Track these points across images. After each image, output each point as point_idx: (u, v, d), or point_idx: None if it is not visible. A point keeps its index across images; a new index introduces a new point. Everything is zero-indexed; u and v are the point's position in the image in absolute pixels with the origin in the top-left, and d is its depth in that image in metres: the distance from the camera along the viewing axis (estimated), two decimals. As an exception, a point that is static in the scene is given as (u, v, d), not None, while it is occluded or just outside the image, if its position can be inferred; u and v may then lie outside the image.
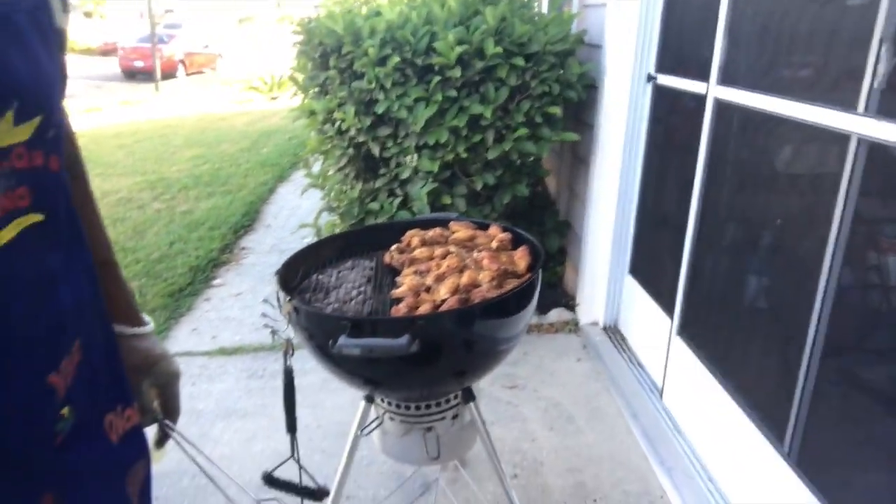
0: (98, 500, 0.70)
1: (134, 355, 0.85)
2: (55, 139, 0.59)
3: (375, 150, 2.81)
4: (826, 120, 1.45)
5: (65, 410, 0.63)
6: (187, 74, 18.73)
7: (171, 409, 0.93)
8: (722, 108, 1.97)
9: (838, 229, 1.41)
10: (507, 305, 1.37)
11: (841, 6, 1.51)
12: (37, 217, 0.57)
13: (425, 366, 1.35)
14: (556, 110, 2.67)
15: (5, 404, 0.56)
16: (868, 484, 1.41)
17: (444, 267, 1.50)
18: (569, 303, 3.17)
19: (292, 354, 1.50)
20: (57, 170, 0.60)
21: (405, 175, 2.75)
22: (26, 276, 0.56)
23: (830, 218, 1.43)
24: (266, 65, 16.80)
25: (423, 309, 1.38)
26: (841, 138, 1.40)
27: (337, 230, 3.13)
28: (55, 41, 0.62)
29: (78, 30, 26.02)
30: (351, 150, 2.92)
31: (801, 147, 1.66)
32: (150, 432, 0.88)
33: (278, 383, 2.62)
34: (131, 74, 17.77)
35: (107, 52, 22.82)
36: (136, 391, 0.84)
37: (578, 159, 3.14)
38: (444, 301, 1.39)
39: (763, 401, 1.73)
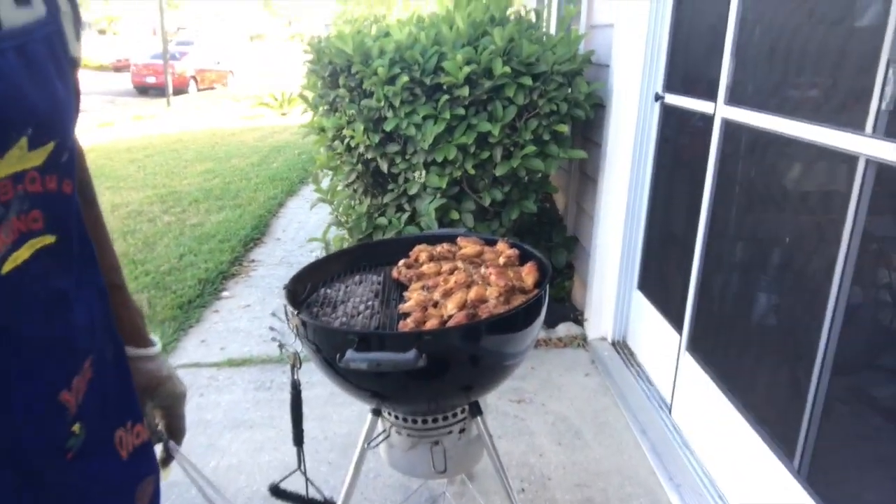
0: None
1: (140, 376, 0.86)
2: (68, 163, 0.61)
3: (384, 167, 2.84)
4: (834, 141, 1.47)
5: (76, 427, 0.65)
6: (199, 90, 18.95)
7: (175, 430, 0.94)
8: (729, 127, 1.99)
9: (847, 248, 1.42)
10: (514, 321, 1.39)
11: (849, 27, 1.53)
12: (49, 239, 0.58)
13: (432, 380, 1.37)
14: (564, 128, 2.70)
15: (18, 421, 0.57)
16: (879, 502, 1.41)
17: (452, 282, 1.52)
18: (577, 317, 3.18)
19: (300, 368, 1.52)
20: (70, 193, 0.62)
21: (413, 191, 2.78)
22: (40, 296, 0.58)
23: (840, 237, 1.44)
24: (277, 81, 16.98)
25: (431, 324, 1.39)
26: (849, 159, 1.42)
27: (345, 245, 3.16)
28: (69, 69, 0.64)
29: (92, 47, 26.42)
30: (360, 167, 2.95)
31: (809, 167, 1.68)
32: (157, 450, 0.90)
33: (286, 395, 2.64)
34: (143, 90, 18.00)
35: (119, 68, 23.16)
36: (142, 411, 0.86)
37: (586, 176, 3.16)
38: (451, 316, 1.41)
39: (773, 417, 1.73)
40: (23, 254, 0.54)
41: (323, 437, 2.33)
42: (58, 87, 0.59)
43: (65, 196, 0.61)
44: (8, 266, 0.51)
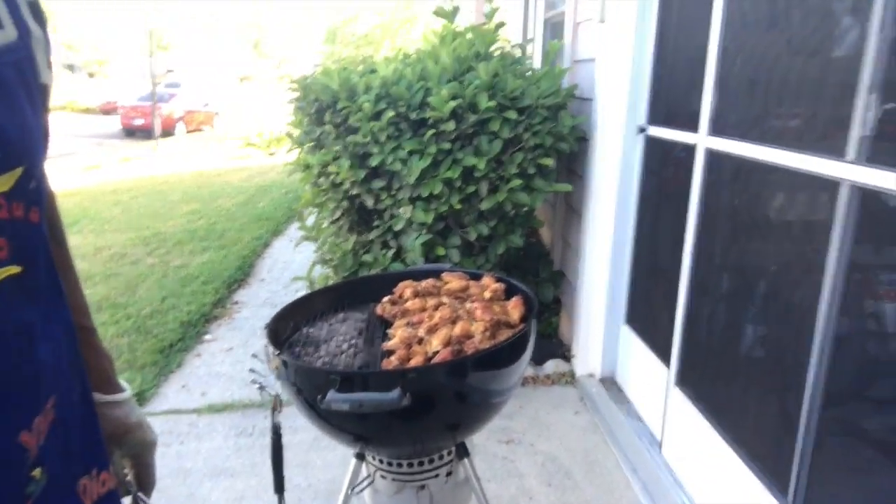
0: None
1: (107, 423, 0.82)
2: (36, 191, 0.59)
3: (369, 202, 2.82)
4: (816, 167, 1.46)
5: (36, 472, 0.60)
6: (187, 132, 19.02)
7: (144, 481, 0.88)
8: (713, 157, 1.99)
9: (833, 276, 1.40)
10: (500, 356, 1.34)
11: (826, 58, 1.54)
12: (14, 269, 0.56)
13: (417, 420, 1.32)
14: (549, 162, 2.70)
15: None
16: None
17: (437, 318, 1.48)
18: (565, 354, 3.13)
19: (280, 411, 1.46)
20: (37, 222, 0.60)
21: (399, 227, 2.76)
22: (3, 328, 0.55)
23: (824, 265, 1.43)
24: (265, 122, 17.10)
25: (415, 361, 1.35)
26: (832, 185, 1.41)
27: (330, 282, 3.11)
28: (39, 96, 0.63)
29: (81, 90, 26.56)
30: (345, 203, 2.93)
31: (793, 195, 1.67)
32: (125, 502, 0.85)
33: (268, 441, 2.55)
34: (131, 132, 18.04)
35: (108, 110, 23.23)
36: (109, 459, 0.81)
37: (572, 210, 3.16)
38: (436, 353, 1.36)
39: (765, 452, 1.69)
40: None
41: (307, 485, 2.24)
42: (27, 112, 0.58)
43: (32, 225, 0.58)
44: None
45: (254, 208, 7.14)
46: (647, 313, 2.60)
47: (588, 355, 2.91)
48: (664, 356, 2.30)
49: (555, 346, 3.23)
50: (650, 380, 2.43)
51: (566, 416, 2.63)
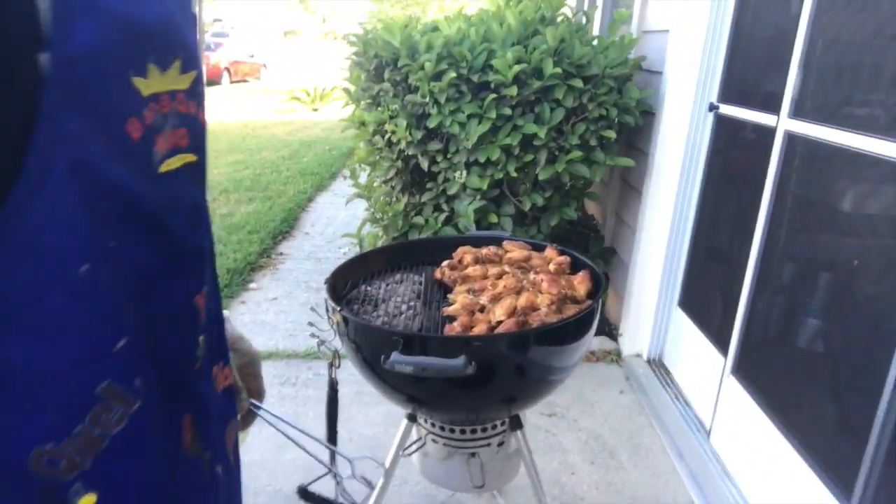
0: (215, 434, 0.71)
1: None
2: (202, 95, 0.66)
3: (424, 165, 2.77)
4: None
5: (201, 338, 0.66)
6: (231, 82, 19.09)
7: (255, 390, 0.92)
8: (793, 141, 1.89)
9: (927, 275, 1.32)
10: (566, 332, 1.31)
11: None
12: (192, 157, 0.62)
13: (476, 389, 1.29)
14: (612, 134, 2.61)
15: (168, 315, 0.60)
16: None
17: (501, 287, 1.44)
18: (611, 332, 3.08)
19: (338, 366, 1.45)
20: (204, 122, 0.67)
21: (452, 191, 2.71)
22: (185, 204, 0.62)
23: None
24: (309, 77, 17.05)
25: (478, 329, 1.32)
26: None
27: (379, 242, 3.10)
28: (193, 24, 0.68)
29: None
30: (399, 163, 2.89)
31: (884, 186, 1.58)
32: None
33: (311, 392, 2.59)
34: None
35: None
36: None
37: (629, 186, 3.07)
38: (499, 322, 1.33)
39: (829, 451, 1.63)
40: (174, 163, 0.59)
41: (348, 439, 2.26)
42: (194, 32, 0.65)
43: (201, 123, 0.65)
44: (164, 168, 0.58)
45: (298, 162, 7.14)
46: (703, 297, 2.53)
47: (637, 335, 2.86)
48: (720, 343, 2.24)
49: (601, 322, 3.17)
50: (702, 365, 2.37)
51: (611, 395, 2.60)
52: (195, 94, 0.63)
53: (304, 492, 1.53)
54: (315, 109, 12.89)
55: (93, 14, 0.47)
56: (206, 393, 0.68)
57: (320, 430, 2.29)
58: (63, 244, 0.47)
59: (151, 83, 0.55)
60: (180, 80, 0.59)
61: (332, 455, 1.49)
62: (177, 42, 0.59)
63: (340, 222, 4.92)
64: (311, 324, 1.54)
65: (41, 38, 0.44)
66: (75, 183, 0.47)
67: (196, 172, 0.65)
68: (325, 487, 1.57)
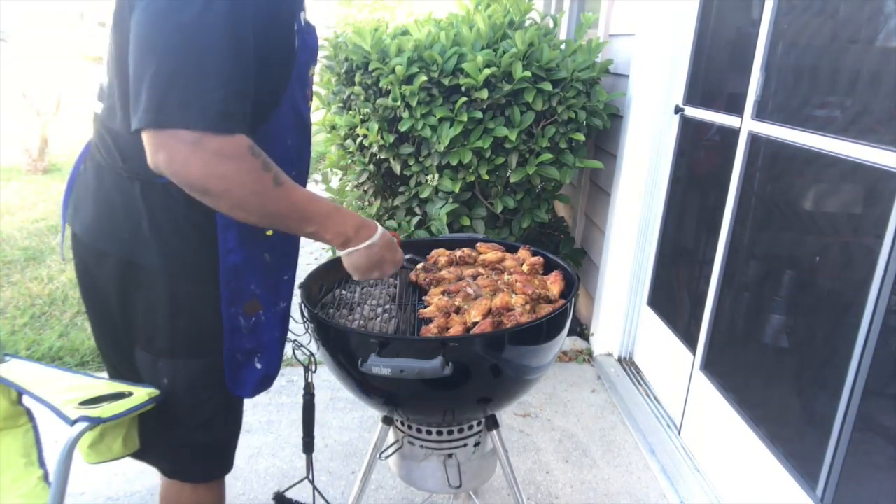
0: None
1: None
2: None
3: (396, 168, 2.78)
4: (873, 158, 1.42)
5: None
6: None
7: None
8: (757, 142, 1.94)
9: (885, 269, 1.37)
10: (540, 331, 1.33)
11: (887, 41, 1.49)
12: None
13: (452, 390, 1.30)
14: (581, 137, 2.65)
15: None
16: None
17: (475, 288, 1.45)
18: (583, 331, 3.12)
19: (314, 371, 1.45)
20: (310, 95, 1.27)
21: (425, 194, 2.72)
22: (308, 136, 1.26)
23: (876, 258, 1.39)
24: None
25: (454, 331, 1.33)
26: (889, 176, 1.37)
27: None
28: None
29: (91, 39, 26.19)
30: (371, 167, 2.89)
31: (845, 185, 1.63)
32: None
33: (284, 400, 2.57)
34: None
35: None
36: None
37: (598, 188, 3.11)
38: (475, 324, 1.34)
39: (796, 444, 1.68)
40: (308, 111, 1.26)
41: (323, 445, 2.25)
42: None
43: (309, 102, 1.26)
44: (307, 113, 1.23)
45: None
46: (671, 296, 2.58)
47: (607, 334, 2.90)
48: (689, 340, 2.28)
49: (573, 322, 3.21)
50: (672, 363, 2.42)
51: (583, 394, 2.63)
52: (313, 76, 1.26)
53: (280, 498, 1.52)
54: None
55: (306, 38, 1.13)
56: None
57: (296, 436, 2.28)
58: (285, 135, 1.15)
59: (313, 70, 1.21)
60: (314, 70, 1.23)
61: (309, 463, 1.49)
62: (317, 53, 1.24)
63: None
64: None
65: (294, 50, 1.10)
66: (290, 109, 1.13)
67: (307, 114, 1.27)
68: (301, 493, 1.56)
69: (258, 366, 1.25)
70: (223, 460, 1.33)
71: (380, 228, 1.22)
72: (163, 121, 0.89)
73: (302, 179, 1.23)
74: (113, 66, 1.06)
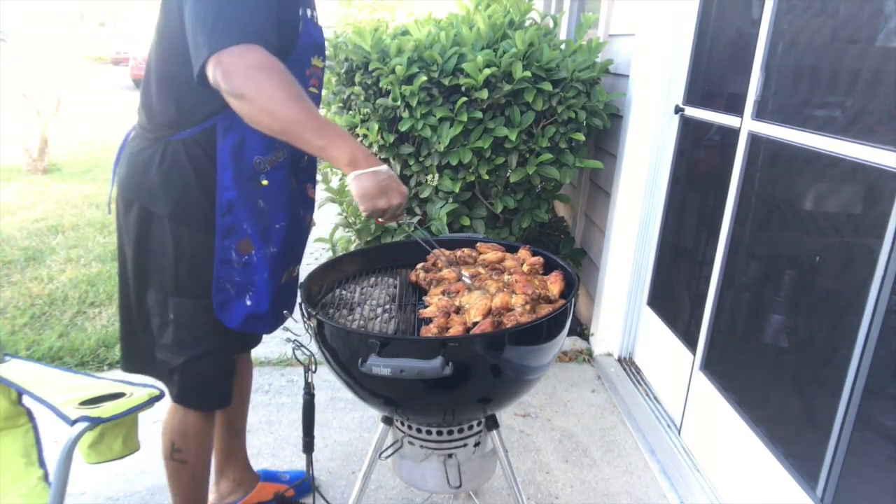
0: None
1: None
2: (323, 70, 1.46)
3: (396, 168, 2.78)
4: (873, 158, 1.42)
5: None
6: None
7: None
8: (757, 142, 1.94)
9: (885, 269, 1.37)
10: (540, 331, 1.33)
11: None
12: (314, 91, 1.48)
13: (452, 390, 1.30)
14: (581, 137, 2.65)
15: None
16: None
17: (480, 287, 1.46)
18: (583, 331, 3.12)
19: (314, 371, 1.45)
20: (319, 92, 1.52)
21: (425, 194, 2.72)
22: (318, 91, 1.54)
23: (876, 258, 1.39)
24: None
25: (455, 331, 1.33)
26: (889, 176, 1.37)
27: (352, 247, 3.09)
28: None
29: (91, 39, 26.20)
30: (370, 167, 2.88)
31: (846, 185, 1.63)
32: None
33: (283, 400, 2.57)
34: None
35: (118, 61, 22.90)
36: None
37: (598, 188, 3.11)
38: (475, 323, 1.34)
39: (796, 444, 1.68)
40: (314, 88, 1.47)
41: (323, 445, 2.25)
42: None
43: (319, 95, 1.51)
44: (312, 90, 1.45)
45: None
46: (672, 296, 2.58)
47: (607, 334, 2.90)
48: (689, 340, 2.28)
49: (573, 322, 3.21)
50: (672, 363, 2.42)
51: (583, 394, 2.63)
52: (321, 72, 1.49)
53: (280, 499, 1.52)
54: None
55: (311, 28, 1.43)
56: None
57: (296, 436, 2.28)
58: (302, 65, 1.43)
59: (318, 61, 1.46)
60: (320, 62, 1.46)
61: (309, 462, 1.49)
62: (323, 49, 1.47)
63: (315, 227, 4.88)
64: (286, 328, 1.53)
65: (297, 31, 1.39)
66: (300, 60, 1.41)
67: (317, 99, 1.50)
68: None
69: (248, 302, 1.46)
70: (218, 395, 1.58)
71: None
72: (215, 47, 1.15)
73: (296, 164, 1.53)
74: (155, 40, 1.35)
